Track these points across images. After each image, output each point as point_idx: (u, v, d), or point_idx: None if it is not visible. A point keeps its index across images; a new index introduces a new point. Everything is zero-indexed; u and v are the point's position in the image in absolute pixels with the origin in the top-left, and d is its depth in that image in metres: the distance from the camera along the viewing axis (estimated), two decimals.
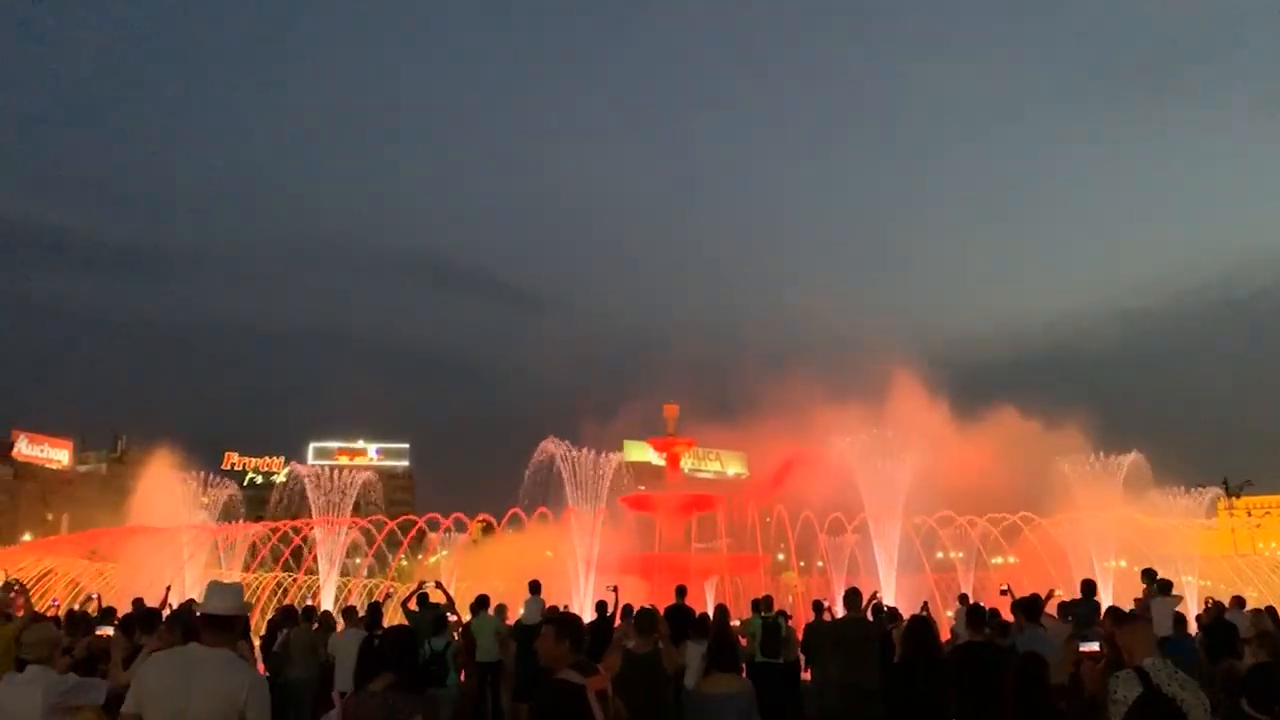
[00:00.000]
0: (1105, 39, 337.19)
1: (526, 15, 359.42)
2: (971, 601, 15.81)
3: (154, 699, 5.45)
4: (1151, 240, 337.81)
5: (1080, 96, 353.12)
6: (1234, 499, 52.55)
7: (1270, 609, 16.54)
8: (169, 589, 17.50)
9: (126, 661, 9.17)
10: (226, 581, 6.20)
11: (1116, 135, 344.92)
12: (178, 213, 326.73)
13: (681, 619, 14.40)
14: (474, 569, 37.88)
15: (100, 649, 8.21)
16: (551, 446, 36.14)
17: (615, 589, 17.01)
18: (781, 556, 39.52)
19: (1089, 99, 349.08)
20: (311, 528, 38.97)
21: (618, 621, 15.54)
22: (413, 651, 5.74)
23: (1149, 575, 16.30)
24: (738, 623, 17.06)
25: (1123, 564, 36.60)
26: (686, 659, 10.43)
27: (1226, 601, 16.85)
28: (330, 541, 38.11)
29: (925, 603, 17.56)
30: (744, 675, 8.74)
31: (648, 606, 10.38)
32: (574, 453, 36.03)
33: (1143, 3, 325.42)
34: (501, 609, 16.94)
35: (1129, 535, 36.37)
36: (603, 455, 36.17)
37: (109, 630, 9.30)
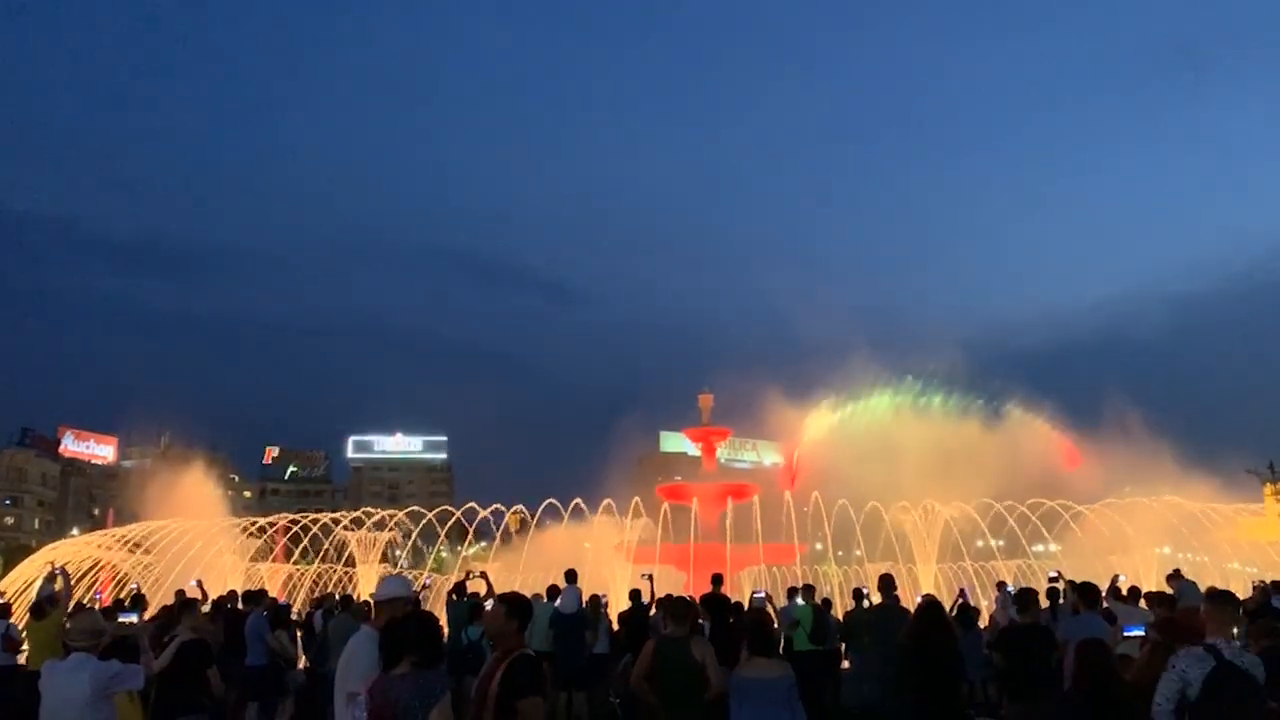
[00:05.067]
0: (1149, 22, 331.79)
1: (562, 13, 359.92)
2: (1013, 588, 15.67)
3: None
4: (1198, 223, 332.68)
5: (1125, 80, 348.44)
6: None
7: None
8: (200, 583, 17.92)
9: (165, 646, 9.46)
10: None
11: (1161, 118, 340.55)
12: (221, 212, 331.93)
13: (718, 608, 14.34)
14: (510, 559, 38.04)
15: (122, 636, 8.40)
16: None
17: (650, 577, 17.01)
18: (820, 546, 39.26)
19: (1134, 82, 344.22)
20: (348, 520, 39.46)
21: (653, 610, 15.53)
22: (436, 634, 5.82)
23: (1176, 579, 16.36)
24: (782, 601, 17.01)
25: (1166, 551, 36.04)
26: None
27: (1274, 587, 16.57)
28: (368, 543, 38.66)
29: (962, 590, 17.40)
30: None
31: (683, 595, 10.37)
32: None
33: None
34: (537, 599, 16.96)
35: (1174, 522, 35.79)
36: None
37: (133, 619, 9.51)
